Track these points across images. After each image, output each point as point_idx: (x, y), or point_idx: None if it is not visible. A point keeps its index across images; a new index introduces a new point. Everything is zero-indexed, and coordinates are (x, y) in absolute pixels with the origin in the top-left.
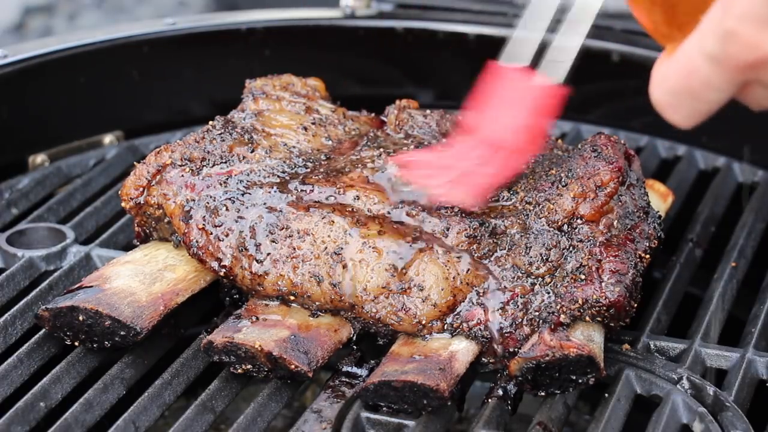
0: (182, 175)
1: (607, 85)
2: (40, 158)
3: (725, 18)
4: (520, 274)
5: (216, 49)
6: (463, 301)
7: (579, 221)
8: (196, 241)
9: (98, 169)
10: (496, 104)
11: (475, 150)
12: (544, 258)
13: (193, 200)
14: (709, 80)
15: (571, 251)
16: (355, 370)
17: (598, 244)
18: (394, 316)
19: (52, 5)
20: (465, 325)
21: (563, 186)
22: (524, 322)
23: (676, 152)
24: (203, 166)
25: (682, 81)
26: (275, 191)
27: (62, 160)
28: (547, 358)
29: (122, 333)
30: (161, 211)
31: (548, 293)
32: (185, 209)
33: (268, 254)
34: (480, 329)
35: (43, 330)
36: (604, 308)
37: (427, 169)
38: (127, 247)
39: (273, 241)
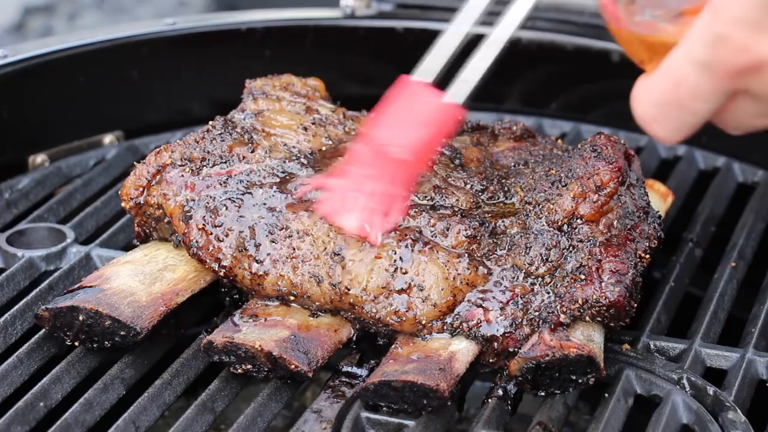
0: (182, 175)
1: (607, 85)
2: (40, 158)
3: (715, 22)
4: (520, 274)
5: (216, 49)
6: (463, 301)
7: (579, 221)
8: (196, 241)
9: (98, 169)
10: (395, 115)
11: (371, 165)
12: (544, 258)
13: (193, 200)
14: (698, 89)
15: (571, 251)
16: (355, 370)
17: (598, 244)
18: (394, 316)
19: (52, 5)
20: (465, 325)
21: (563, 186)
22: (524, 322)
23: (676, 152)
24: (203, 166)
25: (670, 91)
26: (275, 191)
27: (62, 160)
28: (547, 358)
29: (122, 333)
30: (161, 211)
31: (548, 293)
32: (185, 209)
33: (268, 254)
34: (480, 329)
35: (43, 330)
36: (604, 308)
37: (338, 198)
38: (127, 247)
39: (273, 242)
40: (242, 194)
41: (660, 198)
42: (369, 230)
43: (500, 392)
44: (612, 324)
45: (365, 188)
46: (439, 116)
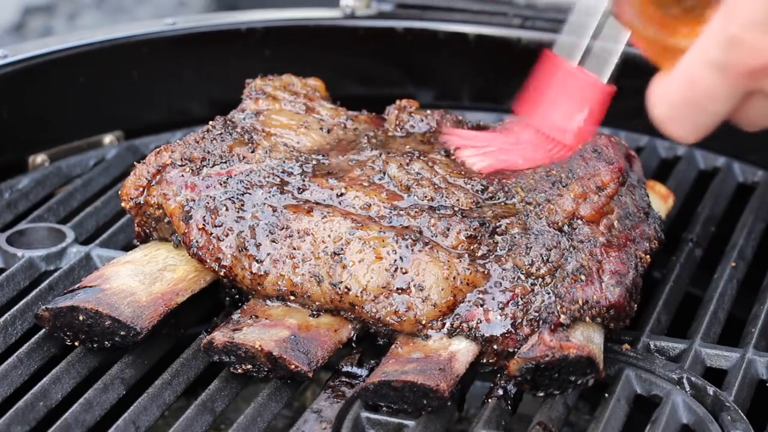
0: (182, 175)
1: None
2: (40, 158)
3: (729, 25)
4: (521, 275)
5: (216, 49)
6: (463, 301)
7: (579, 222)
8: (196, 241)
9: (98, 169)
10: (550, 95)
11: (524, 136)
12: (545, 258)
13: (193, 200)
14: (713, 90)
15: (571, 252)
16: (355, 370)
17: (598, 244)
18: (394, 316)
19: (52, 5)
20: (465, 325)
21: (563, 186)
22: (524, 323)
23: (676, 152)
24: (203, 166)
25: (686, 92)
26: (275, 191)
27: (62, 160)
28: (546, 359)
29: (122, 333)
30: (161, 211)
31: (548, 294)
32: (185, 209)
33: (268, 254)
34: (480, 329)
35: (43, 330)
36: (604, 309)
37: (472, 142)
38: (127, 247)
39: (273, 241)
40: (242, 194)
41: (661, 199)
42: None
43: (500, 392)
44: (612, 325)
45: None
46: (595, 97)
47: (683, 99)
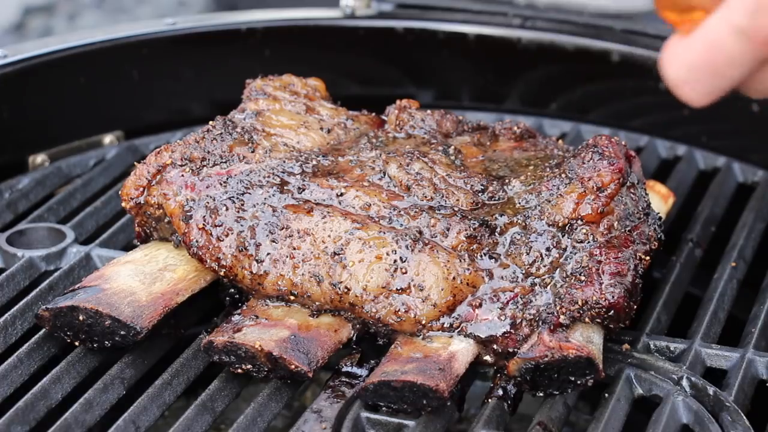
0: (182, 175)
1: (607, 85)
2: (40, 158)
3: None
4: (521, 275)
5: (216, 49)
6: (463, 301)
7: (579, 222)
8: (196, 241)
9: (98, 169)
10: None
11: None
12: (544, 258)
13: (193, 200)
14: (733, 55)
15: (571, 252)
16: (355, 370)
17: (598, 245)
18: (394, 316)
19: (52, 5)
20: (465, 325)
21: (564, 186)
22: (524, 323)
23: (676, 152)
24: (203, 166)
25: (705, 56)
26: (275, 191)
27: (62, 160)
28: (546, 359)
29: (122, 333)
30: (161, 211)
31: (548, 294)
32: (185, 209)
33: (268, 254)
34: (480, 329)
35: (43, 330)
36: (604, 310)
37: None
38: (127, 247)
39: (273, 241)
40: (242, 194)
41: (661, 199)
42: None
43: (500, 392)
44: (611, 325)
45: None
46: None
47: (701, 62)
